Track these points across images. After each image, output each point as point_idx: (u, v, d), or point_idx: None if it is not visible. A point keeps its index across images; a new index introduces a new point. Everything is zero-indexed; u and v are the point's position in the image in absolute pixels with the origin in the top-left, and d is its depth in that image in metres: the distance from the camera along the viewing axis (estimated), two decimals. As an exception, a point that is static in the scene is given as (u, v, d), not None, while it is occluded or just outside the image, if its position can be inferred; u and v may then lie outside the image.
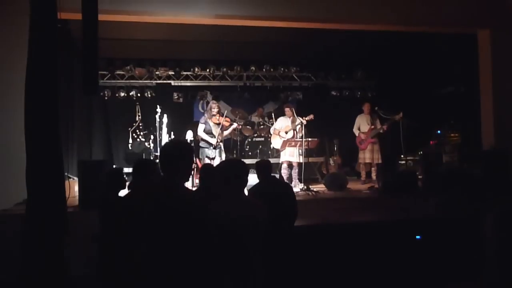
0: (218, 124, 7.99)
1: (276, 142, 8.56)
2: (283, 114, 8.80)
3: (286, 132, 8.40)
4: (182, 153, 2.70)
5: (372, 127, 8.86)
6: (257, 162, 5.06)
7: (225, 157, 8.25)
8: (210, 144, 7.99)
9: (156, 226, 2.48)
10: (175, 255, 2.46)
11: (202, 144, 8.11)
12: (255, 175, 4.87)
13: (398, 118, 8.47)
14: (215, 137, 7.96)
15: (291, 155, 8.22)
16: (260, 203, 3.16)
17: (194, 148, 8.60)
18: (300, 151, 8.12)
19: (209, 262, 2.59)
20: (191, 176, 8.18)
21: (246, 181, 3.12)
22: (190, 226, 2.50)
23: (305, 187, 7.67)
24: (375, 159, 8.81)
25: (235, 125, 8.52)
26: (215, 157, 8.05)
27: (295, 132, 8.30)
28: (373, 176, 8.86)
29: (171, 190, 2.59)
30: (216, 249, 2.84)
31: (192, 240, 2.49)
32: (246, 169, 3.13)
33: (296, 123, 8.23)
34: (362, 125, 9.03)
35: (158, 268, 2.45)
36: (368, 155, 8.88)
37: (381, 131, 8.71)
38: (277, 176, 8.32)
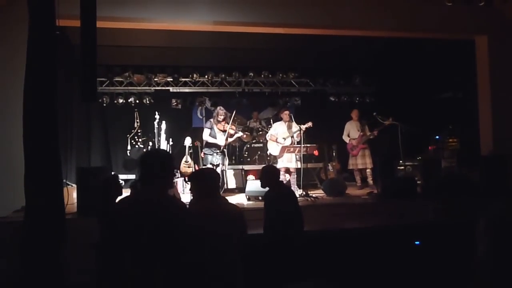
0: (224, 131, 7.99)
1: (273, 148, 8.49)
2: (279, 120, 8.80)
3: (284, 139, 8.33)
4: (164, 162, 2.73)
5: (362, 133, 8.92)
6: (263, 167, 5.07)
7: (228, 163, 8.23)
8: (216, 147, 7.95)
9: (144, 236, 2.49)
10: (161, 263, 2.48)
11: (206, 151, 8.06)
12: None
13: (388, 123, 8.51)
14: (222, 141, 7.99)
15: (289, 161, 8.18)
16: (237, 207, 3.23)
17: (193, 154, 8.60)
18: (297, 157, 8.10)
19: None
20: (189, 183, 8.25)
21: (218, 186, 3.34)
22: (176, 235, 2.54)
23: (304, 193, 7.65)
24: (368, 164, 8.86)
25: (240, 133, 8.50)
26: (219, 163, 8.04)
27: (292, 139, 8.27)
28: (370, 181, 8.88)
29: (159, 201, 2.61)
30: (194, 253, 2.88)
31: (176, 249, 2.52)
32: (217, 175, 3.36)
33: (293, 129, 8.20)
34: (351, 131, 9.08)
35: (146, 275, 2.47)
36: (360, 160, 8.94)
37: (371, 137, 8.76)
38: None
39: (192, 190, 3.31)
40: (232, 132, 8.13)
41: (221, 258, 2.93)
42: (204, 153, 8.10)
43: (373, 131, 8.71)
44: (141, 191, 2.69)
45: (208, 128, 8.05)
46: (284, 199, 4.48)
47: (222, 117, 8.02)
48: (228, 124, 8.08)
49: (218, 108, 8.25)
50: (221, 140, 7.95)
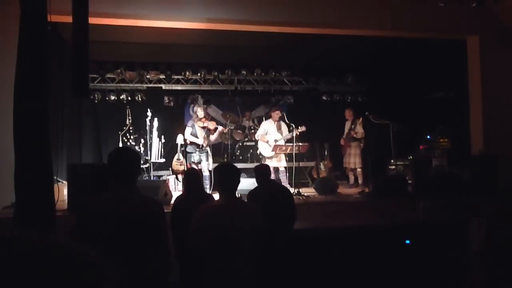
0: (204, 127, 8.09)
1: (263, 148, 8.50)
2: (269, 118, 8.84)
3: (276, 141, 8.33)
4: (134, 160, 2.72)
5: (347, 132, 9.08)
6: (256, 166, 5.12)
7: (212, 162, 8.28)
8: (197, 146, 8.06)
9: (119, 235, 2.49)
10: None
11: (188, 149, 8.20)
12: (250, 179, 4.92)
13: (359, 122, 8.84)
14: (201, 140, 8.08)
15: (278, 161, 8.25)
16: (254, 206, 3.21)
17: (185, 152, 8.61)
18: (286, 155, 8.18)
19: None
20: (181, 181, 8.28)
21: (238, 182, 3.26)
22: (152, 230, 2.55)
23: (296, 191, 7.67)
24: (353, 164, 8.97)
25: (220, 128, 8.56)
26: (201, 161, 8.11)
27: (284, 140, 8.31)
28: (360, 180, 8.97)
29: (133, 198, 2.61)
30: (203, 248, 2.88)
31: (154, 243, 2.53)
32: (238, 171, 3.28)
33: (284, 130, 8.24)
34: (345, 130, 9.22)
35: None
36: (346, 159, 9.10)
37: (353, 135, 8.87)
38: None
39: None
40: (212, 127, 8.23)
41: (235, 255, 2.94)
42: (187, 152, 8.20)
43: (352, 130, 8.87)
44: (118, 191, 2.66)
45: (190, 127, 8.19)
46: (270, 197, 4.42)
47: (201, 114, 8.20)
48: (208, 120, 8.25)
49: (196, 106, 8.44)
50: (201, 137, 8.06)
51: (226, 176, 3.17)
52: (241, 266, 2.95)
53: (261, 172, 4.83)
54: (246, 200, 4.48)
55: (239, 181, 3.26)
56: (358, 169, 8.98)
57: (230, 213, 3.01)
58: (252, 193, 4.63)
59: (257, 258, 3.11)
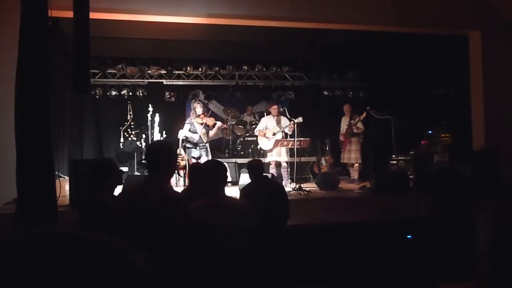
0: (202, 124, 8.13)
1: (263, 143, 8.52)
2: (268, 114, 8.84)
3: (274, 134, 8.34)
4: (168, 154, 2.73)
5: (347, 127, 9.08)
6: (248, 162, 5.08)
7: (212, 157, 8.30)
8: (194, 143, 8.10)
9: (137, 227, 2.48)
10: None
11: (188, 144, 8.22)
12: (247, 175, 4.91)
13: (363, 118, 8.80)
14: (199, 136, 8.10)
15: (278, 155, 8.24)
16: (243, 204, 3.17)
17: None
18: (288, 150, 8.17)
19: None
20: (183, 176, 8.29)
21: (225, 180, 3.22)
22: (170, 227, 2.53)
23: (297, 186, 7.67)
24: (353, 159, 8.98)
25: (219, 123, 8.57)
26: (201, 156, 8.13)
27: (283, 133, 8.30)
28: (355, 176, 8.97)
29: (157, 191, 2.60)
30: (192, 248, 2.86)
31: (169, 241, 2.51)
32: (224, 168, 3.21)
33: (283, 124, 8.24)
34: (342, 126, 9.26)
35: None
36: (346, 155, 9.11)
37: (355, 130, 8.84)
38: (269, 176, 8.32)
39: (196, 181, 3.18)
40: (210, 123, 8.26)
41: (225, 254, 2.88)
42: (187, 147, 8.23)
43: (354, 125, 8.84)
44: (146, 185, 2.66)
45: (188, 124, 8.23)
46: (263, 193, 4.38)
47: (199, 110, 8.20)
48: (206, 116, 8.27)
49: (195, 103, 8.43)
50: (201, 133, 8.12)
51: (211, 173, 3.10)
52: (226, 264, 2.89)
53: (253, 167, 4.77)
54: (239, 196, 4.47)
55: (226, 178, 3.21)
56: (356, 164, 8.99)
57: (215, 211, 2.94)
58: (244, 188, 4.63)
59: (250, 255, 3.07)
